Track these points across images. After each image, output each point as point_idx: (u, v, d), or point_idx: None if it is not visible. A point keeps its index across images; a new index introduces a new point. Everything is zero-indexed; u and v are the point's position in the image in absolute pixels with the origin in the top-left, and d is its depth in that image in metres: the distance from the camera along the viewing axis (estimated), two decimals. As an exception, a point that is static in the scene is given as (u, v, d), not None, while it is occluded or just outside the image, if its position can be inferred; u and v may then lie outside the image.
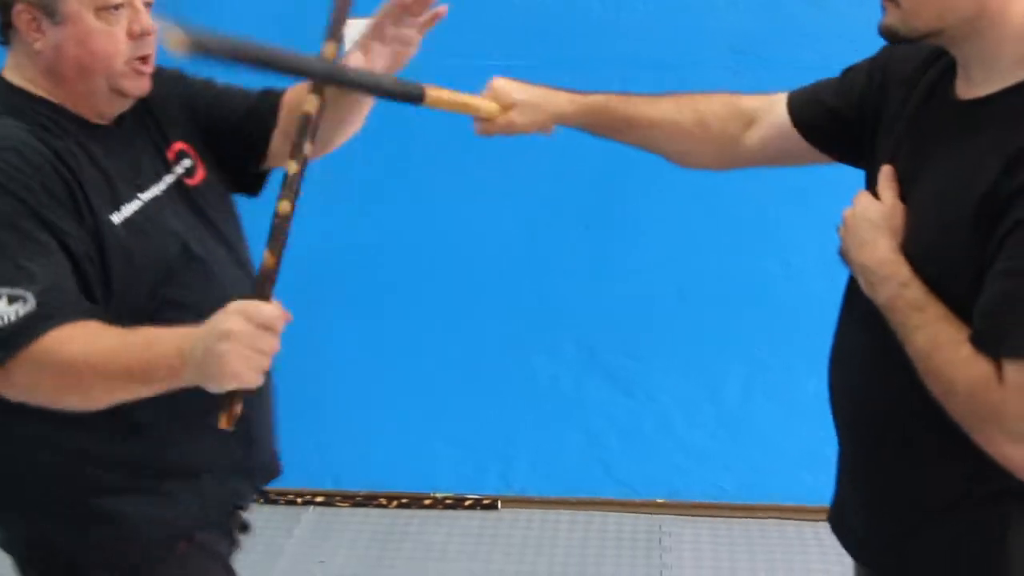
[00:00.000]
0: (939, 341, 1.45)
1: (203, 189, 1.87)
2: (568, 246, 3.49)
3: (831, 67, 3.45)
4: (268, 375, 1.92)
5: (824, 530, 3.62)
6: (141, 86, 1.75)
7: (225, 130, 1.93)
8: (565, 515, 3.69)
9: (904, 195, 1.55)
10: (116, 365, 1.56)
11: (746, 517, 3.68)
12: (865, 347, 1.63)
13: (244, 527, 1.98)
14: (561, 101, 1.90)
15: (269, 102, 1.94)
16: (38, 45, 1.68)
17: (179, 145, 1.86)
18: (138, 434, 1.75)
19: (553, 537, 3.59)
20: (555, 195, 3.45)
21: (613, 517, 3.70)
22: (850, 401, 1.69)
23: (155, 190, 1.78)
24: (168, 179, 1.82)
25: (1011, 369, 1.38)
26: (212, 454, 1.83)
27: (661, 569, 3.42)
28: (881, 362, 1.57)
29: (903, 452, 1.60)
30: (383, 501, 3.74)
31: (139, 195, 1.75)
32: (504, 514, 3.72)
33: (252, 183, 2.02)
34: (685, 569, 3.42)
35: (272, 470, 2.00)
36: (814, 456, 3.60)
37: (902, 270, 1.51)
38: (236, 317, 1.50)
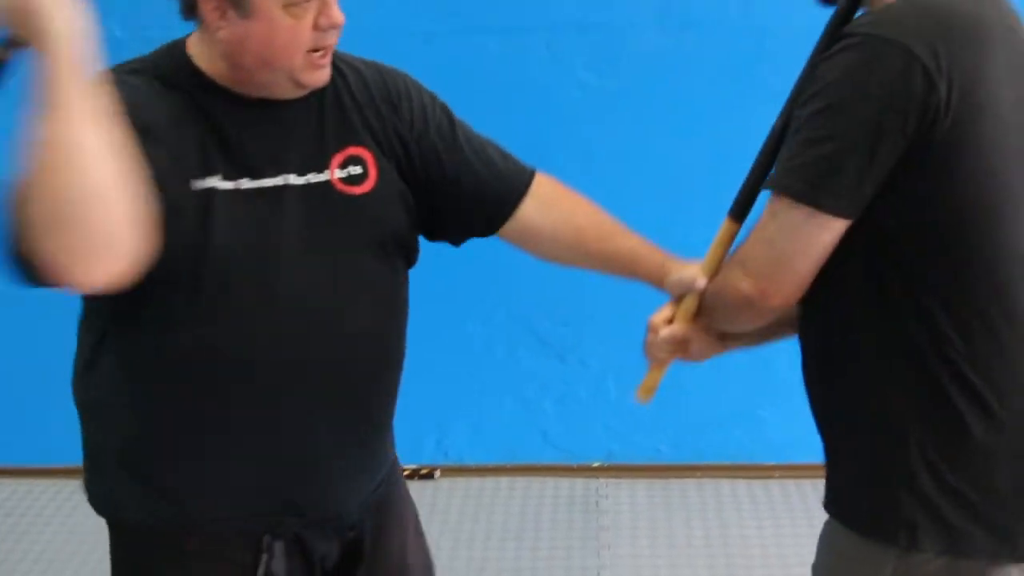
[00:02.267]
0: None
1: (360, 204, 1.74)
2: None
3: (756, 25, 3.47)
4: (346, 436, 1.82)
5: (758, 487, 3.70)
6: (320, 77, 1.69)
7: (450, 195, 1.85)
8: (503, 482, 3.70)
9: None
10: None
11: (682, 477, 3.72)
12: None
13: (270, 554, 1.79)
14: None
15: (513, 195, 1.89)
16: (221, 34, 1.63)
17: (355, 150, 1.76)
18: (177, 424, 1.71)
19: (491, 504, 3.60)
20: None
21: (551, 482, 3.72)
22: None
23: (279, 180, 1.69)
24: (314, 177, 1.72)
25: None
26: (241, 469, 1.74)
27: (599, 532, 3.45)
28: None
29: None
30: (320, 474, 3.72)
31: (247, 179, 1.66)
32: (442, 483, 3.73)
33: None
34: (623, 531, 3.46)
35: (335, 516, 1.83)
36: (746, 415, 3.66)
37: None
38: None
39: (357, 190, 1.73)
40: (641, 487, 3.70)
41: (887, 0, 1.52)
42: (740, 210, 1.70)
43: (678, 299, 1.80)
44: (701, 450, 3.73)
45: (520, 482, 3.70)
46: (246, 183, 1.66)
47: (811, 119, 1.48)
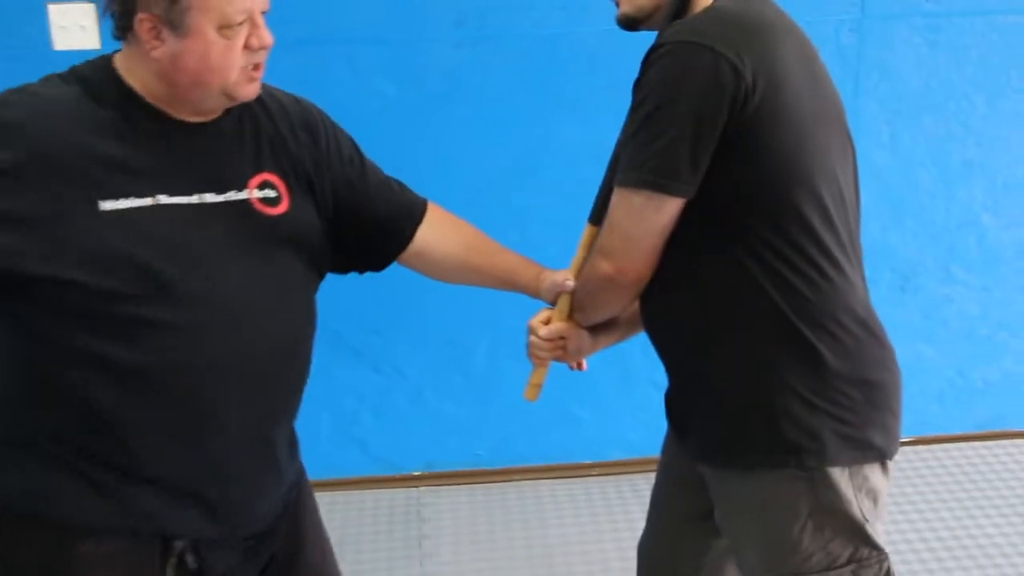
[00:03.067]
0: None
1: (277, 223, 1.81)
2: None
3: (544, 35, 3.55)
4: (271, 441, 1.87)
5: (577, 486, 3.78)
6: (252, 91, 1.77)
7: (359, 223, 1.97)
8: (324, 497, 3.61)
9: None
10: None
11: (501, 481, 3.77)
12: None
13: (183, 565, 1.80)
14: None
15: (412, 220, 2.04)
16: (156, 53, 1.69)
17: (269, 175, 1.83)
18: (93, 413, 1.70)
19: (312, 521, 3.56)
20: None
21: (371, 494, 3.71)
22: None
23: (194, 199, 1.74)
24: (235, 195, 1.78)
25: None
26: (159, 468, 1.74)
27: (421, 540, 3.46)
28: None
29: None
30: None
31: (165, 195, 1.71)
32: (261, 503, 3.66)
33: (373, 261, 2.07)
34: (444, 537, 3.48)
35: (246, 520, 1.85)
36: (561, 416, 3.73)
37: None
38: None
39: (273, 211, 1.82)
40: (462, 493, 3.72)
41: (690, 14, 1.76)
42: (597, 215, 1.89)
43: (553, 302, 1.99)
44: (519, 453, 3.78)
45: (340, 496, 3.67)
46: (164, 199, 1.71)
47: (644, 122, 1.70)
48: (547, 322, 1.98)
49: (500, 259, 2.09)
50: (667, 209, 1.71)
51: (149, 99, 1.73)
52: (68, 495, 1.72)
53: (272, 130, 1.86)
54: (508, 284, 2.08)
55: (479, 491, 3.73)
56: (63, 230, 1.63)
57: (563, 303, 1.97)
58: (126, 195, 1.68)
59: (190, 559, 1.79)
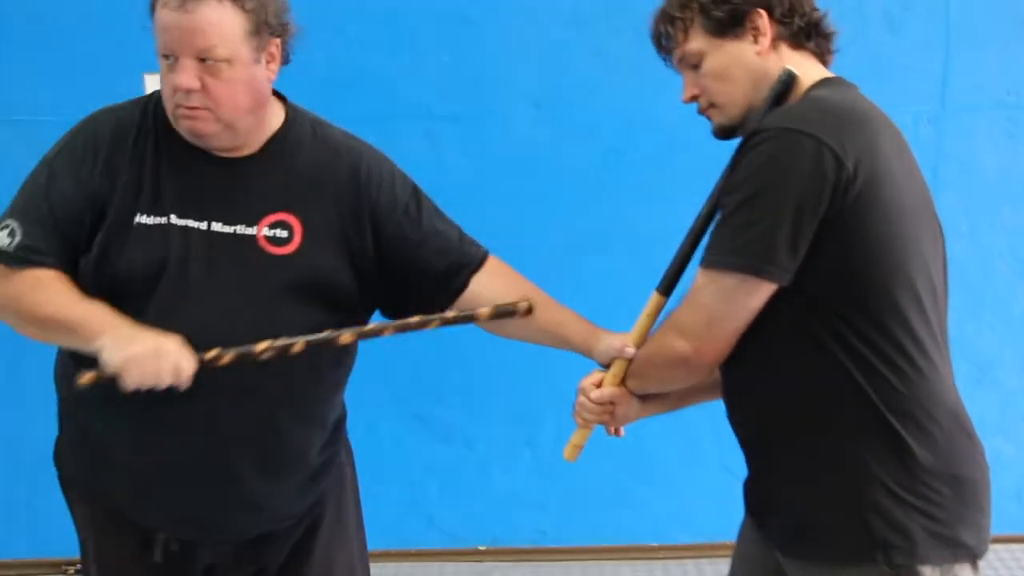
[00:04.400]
0: None
1: (281, 263, 1.89)
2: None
3: (613, 115, 3.58)
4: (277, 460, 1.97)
5: (642, 569, 3.71)
6: (184, 128, 1.84)
7: (410, 269, 2.02)
8: (389, 568, 3.68)
9: None
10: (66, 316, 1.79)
11: (566, 560, 3.74)
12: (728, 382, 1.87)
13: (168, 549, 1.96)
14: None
15: (468, 269, 2.06)
16: None
17: (286, 216, 1.90)
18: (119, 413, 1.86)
19: (376, 591, 3.56)
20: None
21: (436, 567, 3.71)
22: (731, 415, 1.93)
23: (203, 224, 1.85)
24: (243, 229, 1.87)
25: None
26: (129, 468, 1.90)
27: (484, 615, 3.45)
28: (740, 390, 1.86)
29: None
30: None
31: (175, 216, 1.85)
32: (326, 570, 3.67)
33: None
34: (508, 614, 3.46)
35: (223, 530, 1.99)
36: (627, 495, 3.70)
37: None
38: (171, 344, 1.73)
39: (279, 250, 1.88)
40: (526, 570, 3.70)
41: (790, 101, 1.77)
42: (668, 286, 1.89)
43: (606, 365, 1.97)
44: (584, 531, 3.75)
45: (405, 568, 3.68)
46: (175, 219, 1.84)
47: (742, 206, 1.69)
48: (599, 385, 1.96)
49: (554, 313, 2.08)
50: (760, 293, 1.70)
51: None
52: (74, 463, 1.95)
53: (310, 172, 1.93)
54: (561, 340, 2.07)
55: (543, 569, 3.70)
56: (109, 231, 1.82)
57: (617, 368, 1.95)
58: (150, 213, 1.83)
59: (173, 545, 1.94)
